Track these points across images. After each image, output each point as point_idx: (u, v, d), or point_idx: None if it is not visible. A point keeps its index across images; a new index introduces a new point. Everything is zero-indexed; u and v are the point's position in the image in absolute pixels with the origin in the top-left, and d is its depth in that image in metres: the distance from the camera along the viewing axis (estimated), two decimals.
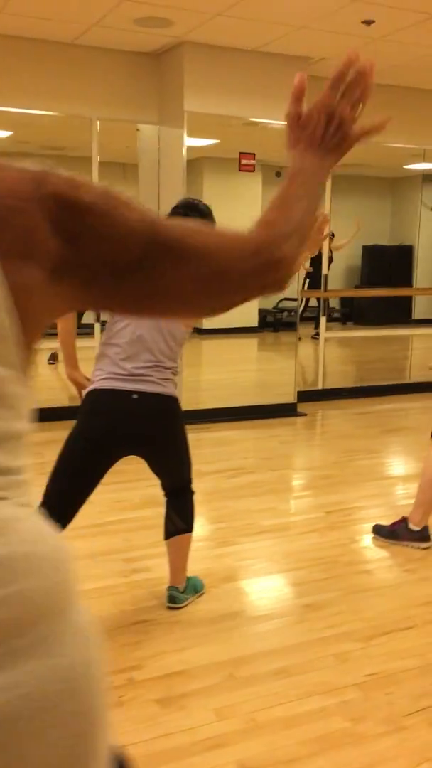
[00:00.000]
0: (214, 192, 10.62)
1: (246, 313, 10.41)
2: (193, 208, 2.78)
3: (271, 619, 2.95)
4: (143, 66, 6.04)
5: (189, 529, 3.00)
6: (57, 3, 4.81)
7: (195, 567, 3.32)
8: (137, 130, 6.50)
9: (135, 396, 2.69)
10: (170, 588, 3.03)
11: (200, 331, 10.90)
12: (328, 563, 3.49)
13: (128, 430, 2.72)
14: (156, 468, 2.92)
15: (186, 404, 6.24)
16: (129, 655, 2.67)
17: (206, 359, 11.01)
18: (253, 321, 10.27)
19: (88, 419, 2.71)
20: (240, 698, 2.44)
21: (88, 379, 2.79)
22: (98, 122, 6.01)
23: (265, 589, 3.21)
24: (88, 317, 6.36)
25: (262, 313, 10.00)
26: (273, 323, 10.25)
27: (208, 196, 11.10)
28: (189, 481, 3.01)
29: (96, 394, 2.71)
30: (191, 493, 3.03)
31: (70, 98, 5.89)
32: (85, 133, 6.04)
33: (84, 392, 2.77)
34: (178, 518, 2.98)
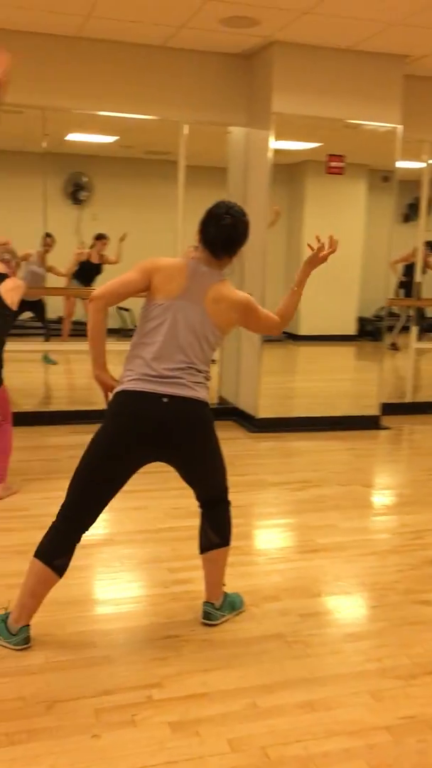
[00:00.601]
0: (316, 196, 10.42)
1: (345, 321, 10.18)
2: (229, 211, 2.67)
3: (307, 646, 2.78)
4: (233, 67, 5.96)
5: (224, 543, 2.88)
6: (142, 5, 4.80)
7: (238, 583, 3.20)
8: (228, 132, 6.42)
9: (165, 399, 2.59)
10: (205, 604, 2.92)
11: (296, 338, 10.75)
12: (381, 590, 3.28)
13: (156, 435, 2.61)
14: (186, 478, 2.81)
15: (265, 411, 6.15)
16: (152, 671, 2.58)
17: (301, 366, 10.83)
18: (351, 329, 10.03)
19: (114, 421, 2.63)
20: (258, 730, 2.30)
21: (115, 381, 2.70)
22: (187, 126, 5.98)
23: (308, 613, 3.04)
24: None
25: (361, 321, 9.74)
26: (372, 332, 9.97)
27: (310, 201, 10.90)
28: (224, 492, 2.89)
29: (124, 395, 2.63)
30: (227, 504, 2.91)
31: (160, 101, 5.88)
32: (190, 137, 6.03)
33: (111, 394, 2.69)
34: (213, 532, 2.87)
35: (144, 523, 3.96)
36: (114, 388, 2.69)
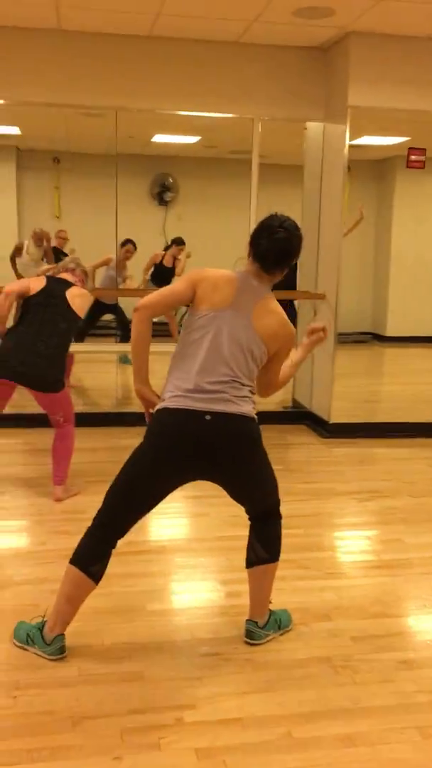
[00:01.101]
0: (406, 193, 10.08)
1: None
2: (283, 224, 2.54)
3: (355, 673, 2.60)
4: (309, 61, 5.77)
5: (272, 559, 2.74)
6: (212, 0, 4.69)
7: (288, 599, 3.05)
8: (304, 128, 6.24)
9: (208, 417, 2.45)
10: (248, 622, 2.78)
11: (382, 339, 10.41)
12: None
13: (198, 455, 2.48)
14: (233, 495, 2.67)
15: (340, 416, 5.92)
16: (185, 692, 2.46)
17: (385, 368, 10.48)
18: None
19: (154, 441, 2.51)
20: (290, 763, 2.14)
21: (157, 397, 2.59)
22: (260, 122, 5.84)
23: (361, 636, 2.85)
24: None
25: None
26: None
27: (399, 197, 10.51)
28: (274, 506, 2.74)
29: (165, 414, 2.51)
30: (278, 518, 2.76)
31: (234, 99, 5.76)
32: (267, 134, 5.90)
33: (153, 411, 2.58)
34: (261, 546, 2.72)
35: (202, 531, 3.86)
36: (155, 404, 2.58)
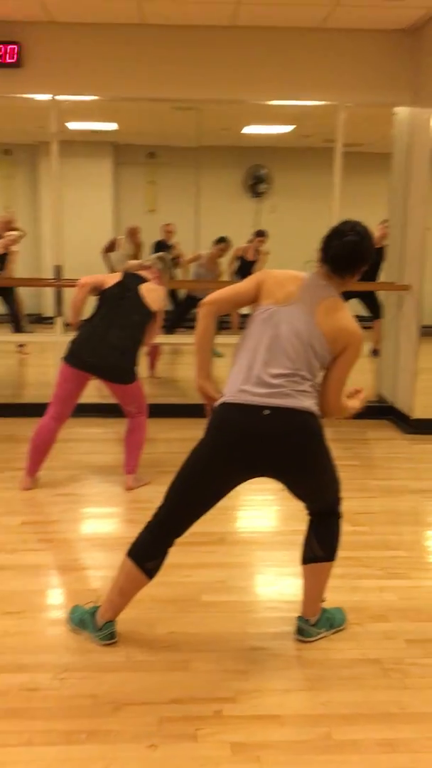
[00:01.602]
0: None
1: None
2: (354, 228, 2.50)
3: (405, 677, 2.52)
4: (396, 44, 5.58)
5: (328, 557, 2.68)
6: None
7: (346, 597, 3.00)
8: (393, 114, 6.06)
9: (266, 412, 2.41)
10: (299, 619, 2.74)
11: None
12: None
13: (257, 452, 2.44)
14: (292, 491, 2.63)
15: (426, 411, 5.73)
16: (228, 684, 2.45)
17: None
18: None
19: (213, 437, 2.49)
20: (326, 765, 2.10)
21: (219, 393, 2.58)
22: (345, 109, 5.71)
23: (417, 639, 2.75)
24: None
25: None
26: None
27: None
28: (334, 504, 2.68)
29: (224, 408, 2.48)
30: (337, 517, 2.70)
31: (320, 85, 5.66)
32: (363, 124, 5.78)
33: (214, 405, 2.57)
34: (318, 544, 2.67)
35: (270, 524, 3.83)
36: (216, 401, 2.57)
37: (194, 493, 2.53)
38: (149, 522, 2.59)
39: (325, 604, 2.85)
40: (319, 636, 2.73)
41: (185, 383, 7.32)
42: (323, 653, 2.65)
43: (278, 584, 3.16)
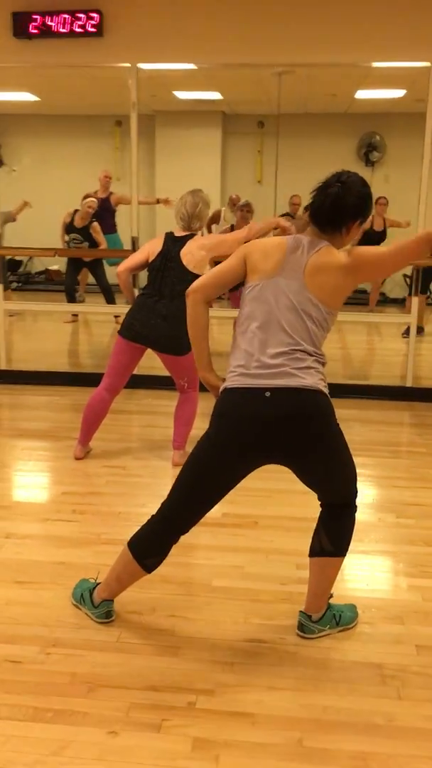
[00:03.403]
0: None
1: None
2: (341, 179, 2.34)
3: (403, 686, 2.32)
4: None
5: (338, 553, 2.51)
6: None
7: (365, 594, 2.85)
8: None
9: (267, 394, 2.27)
10: (301, 614, 2.59)
11: None
12: None
13: (262, 436, 2.30)
14: (304, 480, 2.47)
15: None
16: (210, 676, 2.36)
17: None
18: None
19: (217, 426, 2.37)
20: None
21: (222, 380, 2.45)
22: None
23: (428, 646, 2.54)
24: None
25: None
26: None
27: None
28: (349, 496, 2.50)
29: (226, 394, 2.36)
30: (352, 510, 2.52)
31: (411, 44, 5.30)
32: None
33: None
34: (327, 538, 2.50)
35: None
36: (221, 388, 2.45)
37: (202, 487, 2.42)
38: (152, 517, 2.51)
39: (339, 600, 2.69)
40: (321, 633, 2.57)
41: None
42: (323, 652, 2.50)
43: (298, 575, 3.00)
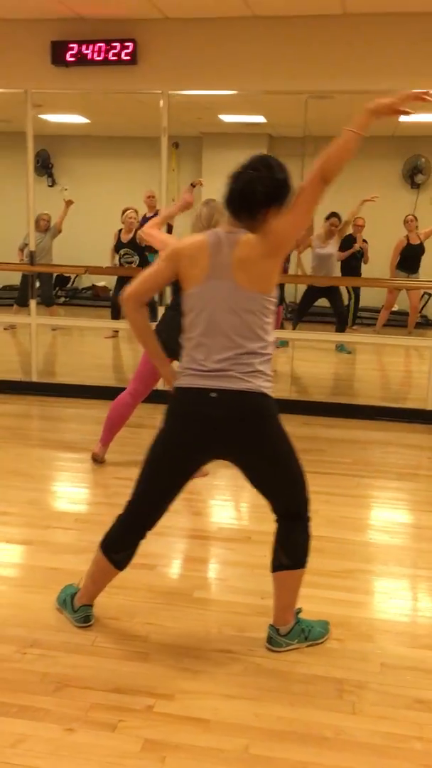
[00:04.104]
0: None
1: None
2: (253, 164, 2.35)
3: (358, 701, 2.37)
4: None
5: (295, 565, 2.58)
6: None
7: (345, 611, 2.90)
8: None
9: (213, 395, 2.40)
10: (270, 627, 2.66)
11: None
12: None
13: (208, 435, 2.44)
14: (254, 484, 2.57)
15: None
16: (173, 682, 2.45)
17: None
18: None
19: (168, 420, 2.52)
20: None
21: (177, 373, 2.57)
22: None
23: (394, 665, 2.57)
24: None
25: None
26: None
27: None
28: (299, 507, 2.58)
29: (177, 392, 2.50)
30: (304, 522, 2.60)
31: None
32: None
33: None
34: (282, 552, 2.58)
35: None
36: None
37: (159, 481, 2.56)
38: (120, 514, 2.64)
39: (314, 616, 2.75)
40: (289, 647, 2.63)
41: (304, 379, 7.25)
42: (288, 665, 2.56)
43: None
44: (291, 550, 2.58)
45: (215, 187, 7.51)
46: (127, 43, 5.69)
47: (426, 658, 2.62)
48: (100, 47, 5.72)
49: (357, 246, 8.69)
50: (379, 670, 2.54)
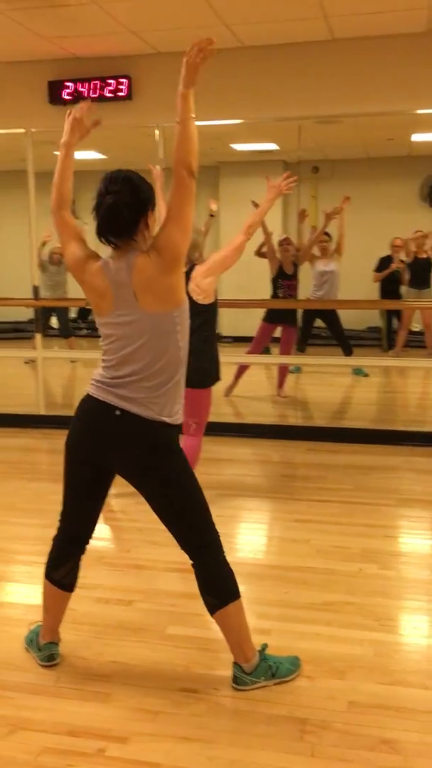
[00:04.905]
0: None
1: None
2: (110, 187, 2.32)
3: (318, 742, 2.27)
4: None
5: (223, 603, 2.51)
6: None
7: (318, 647, 2.82)
8: None
9: (117, 413, 2.40)
10: (234, 665, 2.58)
11: None
12: None
13: (107, 449, 2.46)
14: (156, 513, 2.53)
15: None
16: (130, 724, 2.38)
17: None
18: None
19: (74, 426, 2.53)
20: None
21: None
22: None
23: (361, 703, 2.46)
24: None
25: None
26: None
27: None
28: (203, 544, 2.52)
29: (85, 400, 2.50)
30: (213, 558, 2.52)
31: None
32: None
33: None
34: (206, 592, 2.53)
35: (285, 558, 3.63)
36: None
37: (74, 484, 2.58)
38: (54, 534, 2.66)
39: (280, 652, 2.66)
40: (255, 685, 2.54)
41: (314, 404, 7.18)
42: (250, 705, 2.48)
43: (257, 624, 2.97)
44: (212, 587, 2.52)
45: (230, 215, 7.52)
46: (121, 80, 5.78)
47: (396, 695, 2.51)
48: (95, 84, 5.81)
49: (394, 266, 8.60)
50: (345, 709, 2.44)
